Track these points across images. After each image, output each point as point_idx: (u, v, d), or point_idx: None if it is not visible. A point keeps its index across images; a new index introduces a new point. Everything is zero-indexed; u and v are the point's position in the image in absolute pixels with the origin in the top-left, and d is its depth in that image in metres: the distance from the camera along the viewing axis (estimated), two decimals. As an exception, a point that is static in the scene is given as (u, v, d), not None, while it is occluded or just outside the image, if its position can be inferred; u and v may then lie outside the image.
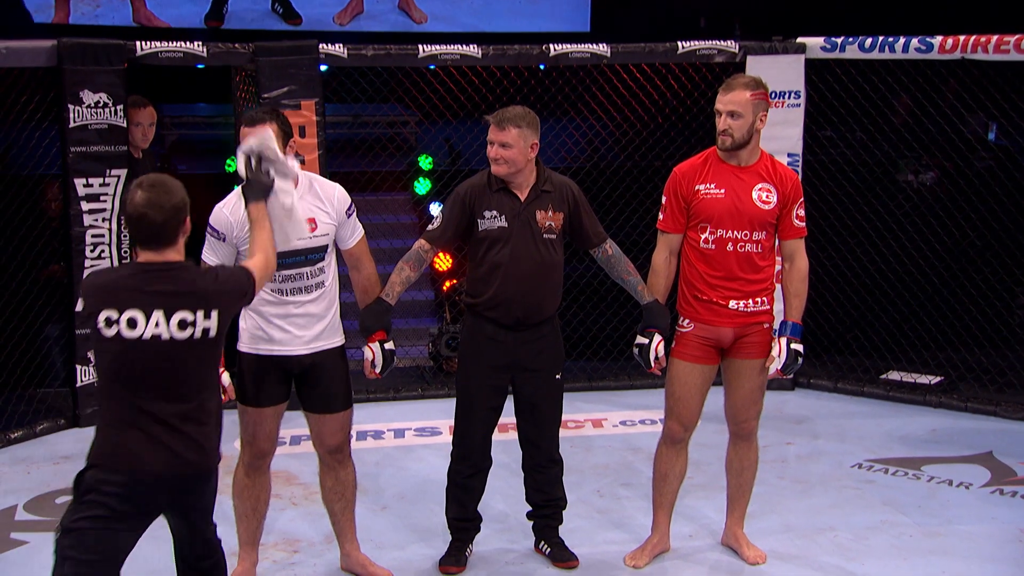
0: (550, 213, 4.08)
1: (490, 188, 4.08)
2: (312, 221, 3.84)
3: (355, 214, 3.99)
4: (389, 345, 4.04)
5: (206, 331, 3.11)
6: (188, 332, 3.08)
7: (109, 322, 3.06)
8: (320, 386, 3.96)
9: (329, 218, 3.88)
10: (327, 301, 3.93)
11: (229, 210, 3.82)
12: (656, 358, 4.13)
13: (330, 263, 3.94)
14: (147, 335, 3.06)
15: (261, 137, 3.60)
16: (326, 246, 3.89)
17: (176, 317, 3.07)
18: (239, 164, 3.60)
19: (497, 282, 4.05)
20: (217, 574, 3.40)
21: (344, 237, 3.96)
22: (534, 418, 4.20)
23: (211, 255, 3.84)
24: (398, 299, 4.09)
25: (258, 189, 3.53)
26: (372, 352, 4.01)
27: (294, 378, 3.97)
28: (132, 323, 3.05)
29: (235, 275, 3.28)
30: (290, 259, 3.82)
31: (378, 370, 4.02)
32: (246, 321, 3.91)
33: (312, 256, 3.86)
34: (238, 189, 3.73)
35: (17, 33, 7.48)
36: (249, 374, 3.91)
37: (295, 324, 3.87)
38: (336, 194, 3.93)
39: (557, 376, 4.21)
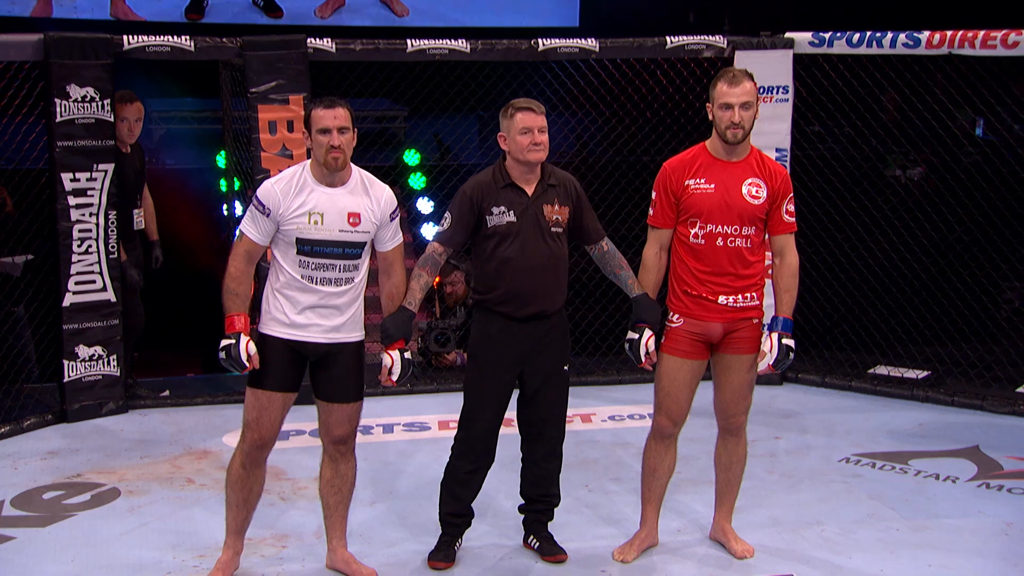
0: (557, 207, 4.10)
1: (497, 184, 4.09)
2: (356, 216, 3.88)
3: (399, 220, 4.04)
4: (408, 355, 4.05)
5: None
6: None
7: None
8: (334, 374, 3.97)
9: (374, 216, 3.93)
10: (353, 295, 3.95)
11: (281, 187, 3.86)
12: (647, 353, 4.14)
13: (364, 262, 3.97)
14: None
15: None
16: (364, 243, 3.93)
17: None
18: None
19: (507, 277, 4.07)
20: None
21: (383, 239, 4.00)
22: (541, 409, 4.21)
23: (252, 227, 3.88)
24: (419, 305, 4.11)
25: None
26: (391, 359, 4.02)
27: (310, 365, 3.98)
28: None
29: None
30: (328, 248, 3.85)
31: (395, 378, 4.03)
32: (268, 302, 3.92)
33: (349, 251, 3.89)
34: (294, 168, 3.88)
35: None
36: (266, 356, 3.92)
37: (318, 313, 3.89)
38: (385, 195, 3.98)
39: (565, 368, 4.22)
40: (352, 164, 3.95)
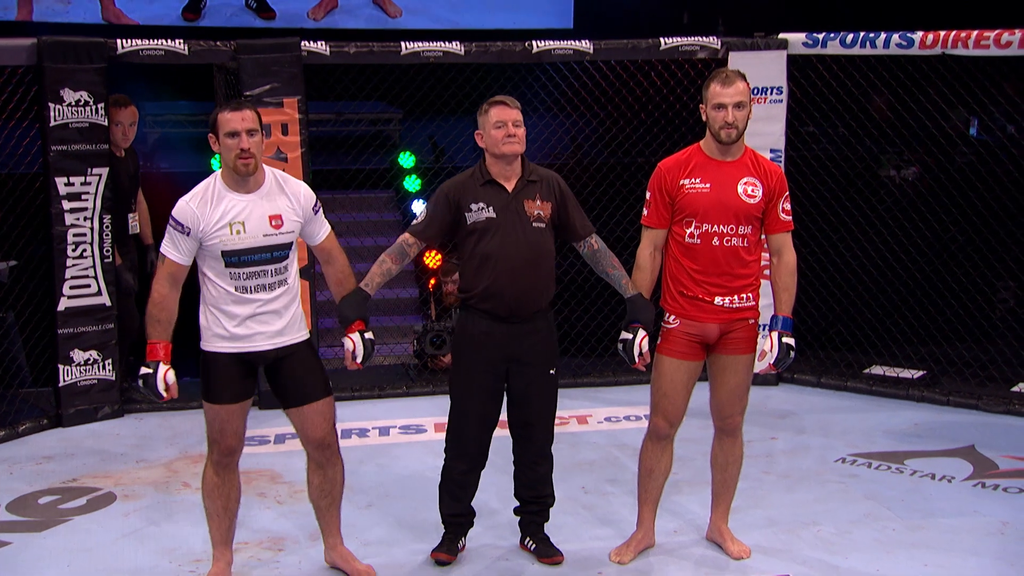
0: (538, 202, 4.09)
1: (476, 182, 4.09)
2: (278, 218, 3.83)
3: (322, 211, 3.99)
4: (369, 335, 4.03)
5: None
6: None
7: None
8: (293, 378, 3.93)
9: (295, 215, 3.88)
10: (289, 297, 3.91)
11: (196, 204, 3.80)
12: (640, 353, 4.14)
13: (293, 260, 3.92)
14: None
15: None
16: (290, 243, 3.88)
17: None
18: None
19: (489, 273, 4.06)
20: None
21: (312, 233, 3.97)
22: (527, 413, 4.20)
23: (172, 249, 3.81)
24: (377, 291, 4.09)
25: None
26: (352, 343, 4.00)
27: (266, 373, 3.96)
28: None
29: None
30: (255, 256, 3.81)
31: (359, 360, 4.01)
32: (206, 318, 3.87)
33: (277, 253, 3.85)
34: (205, 181, 3.80)
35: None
36: (214, 371, 3.88)
37: (258, 321, 3.85)
38: (303, 192, 3.93)
39: (552, 371, 4.20)
40: (264, 166, 3.88)
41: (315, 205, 3.95)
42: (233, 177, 3.81)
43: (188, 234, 3.78)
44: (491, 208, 4.06)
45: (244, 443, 4.03)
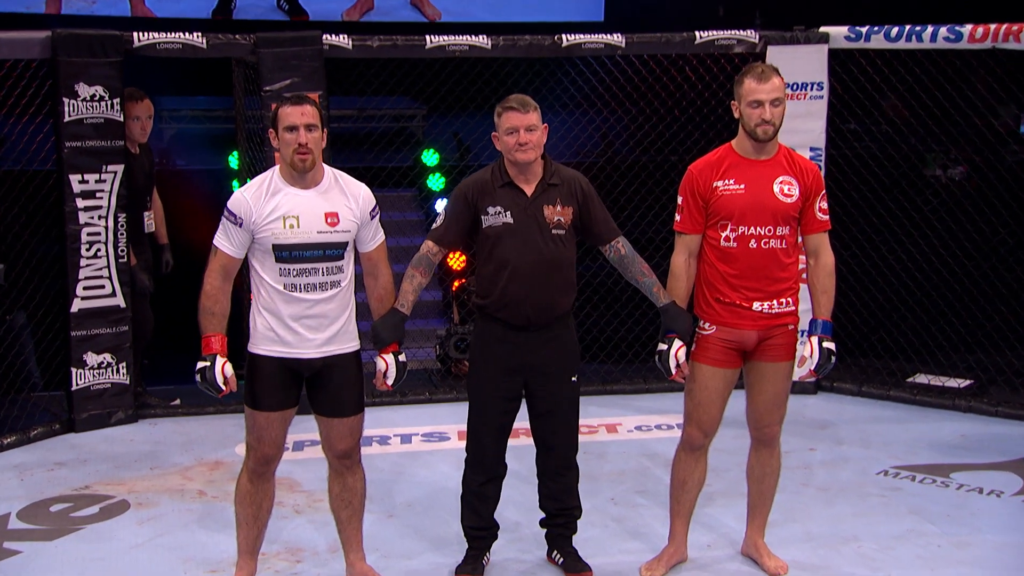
0: (559, 208, 4.07)
1: (495, 183, 4.07)
2: (334, 215, 3.86)
3: (378, 217, 4.01)
4: (402, 357, 4.05)
5: None
6: None
7: None
8: (331, 388, 3.95)
9: (352, 215, 3.90)
10: (342, 303, 3.91)
11: (251, 195, 3.84)
12: (677, 365, 4.11)
13: (348, 263, 3.93)
14: None
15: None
16: (346, 243, 3.89)
17: None
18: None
19: (504, 281, 4.04)
20: None
21: (365, 239, 3.98)
22: (549, 423, 4.19)
23: (225, 241, 3.85)
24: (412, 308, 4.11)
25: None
26: (386, 364, 4.02)
27: (305, 381, 3.98)
28: None
29: None
30: (308, 252, 3.83)
31: (390, 382, 4.04)
32: (256, 321, 3.90)
33: (330, 252, 3.86)
34: (263, 175, 3.86)
35: (9, 24, 7.48)
36: (259, 377, 3.91)
37: (306, 326, 3.86)
38: (362, 193, 3.95)
39: (573, 379, 4.20)
40: (324, 165, 3.91)
41: (373, 209, 3.97)
42: (290, 172, 3.85)
43: (240, 225, 3.82)
44: (508, 213, 4.04)
45: (282, 452, 4.05)
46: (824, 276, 4.12)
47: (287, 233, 3.80)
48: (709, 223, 4.09)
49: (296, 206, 3.82)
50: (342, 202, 3.88)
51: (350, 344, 3.97)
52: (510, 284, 4.04)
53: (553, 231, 4.06)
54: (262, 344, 3.89)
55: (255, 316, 3.91)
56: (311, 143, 3.80)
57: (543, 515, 4.37)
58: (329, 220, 3.84)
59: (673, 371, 4.11)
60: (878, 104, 6.68)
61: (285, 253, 3.81)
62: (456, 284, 7.41)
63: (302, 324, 3.85)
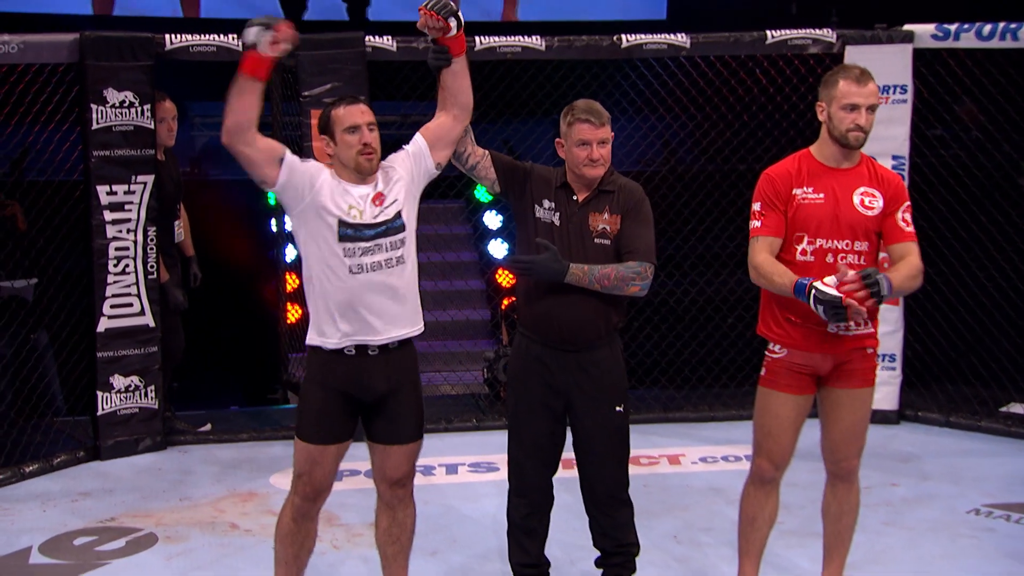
0: (606, 216, 4.07)
1: (555, 180, 4.12)
2: (379, 196, 3.88)
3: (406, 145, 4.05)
4: None
5: None
6: None
7: None
8: (391, 414, 3.95)
9: (398, 176, 3.94)
10: (408, 280, 3.92)
11: (316, 169, 3.87)
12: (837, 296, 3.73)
13: (410, 238, 3.93)
14: None
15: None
16: (400, 212, 3.90)
17: None
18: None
19: (540, 294, 4.06)
20: None
21: (421, 151, 4.03)
22: (591, 456, 4.17)
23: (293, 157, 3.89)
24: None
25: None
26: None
27: (364, 409, 3.97)
28: None
29: None
30: (366, 230, 3.83)
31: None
32: (316, 313, 3.88)
33: (392, 225, 3.87)
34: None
35: (45, 27, 7.59)
36: (315, 407, 3.92)
37: (369, 307, 3.84)
38: (396, 156, 4.00)
39: (618, 408, 4.17)
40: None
41: (400, 149, 4.02)
42: (351, 174, 3.88)
43: (293, 169, 3.84)
44: (557, 215, 4.07)
45: (331, 488, 4.03)
46: (908, 265, 3.94)
47: (351, 214, 3.82)
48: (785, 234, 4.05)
49: (357, 200, 3.85)
50: (380, 178, 3.91)
51: (415, 327, 3.95)
52: (545, 298, 4.04)
53: (596, 239, 4.05)
54: (320, 335, 3.88)
55: (313, 306, 3.90)
56: (375, 142, 3.86)
57: (598, 553, 4.35)
58: (376, 201, 3.86)
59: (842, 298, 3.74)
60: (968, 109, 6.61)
61: (350, 231, 3.82)
62: (505, 303, 7.40)
63: (364, 307, 3.84)
